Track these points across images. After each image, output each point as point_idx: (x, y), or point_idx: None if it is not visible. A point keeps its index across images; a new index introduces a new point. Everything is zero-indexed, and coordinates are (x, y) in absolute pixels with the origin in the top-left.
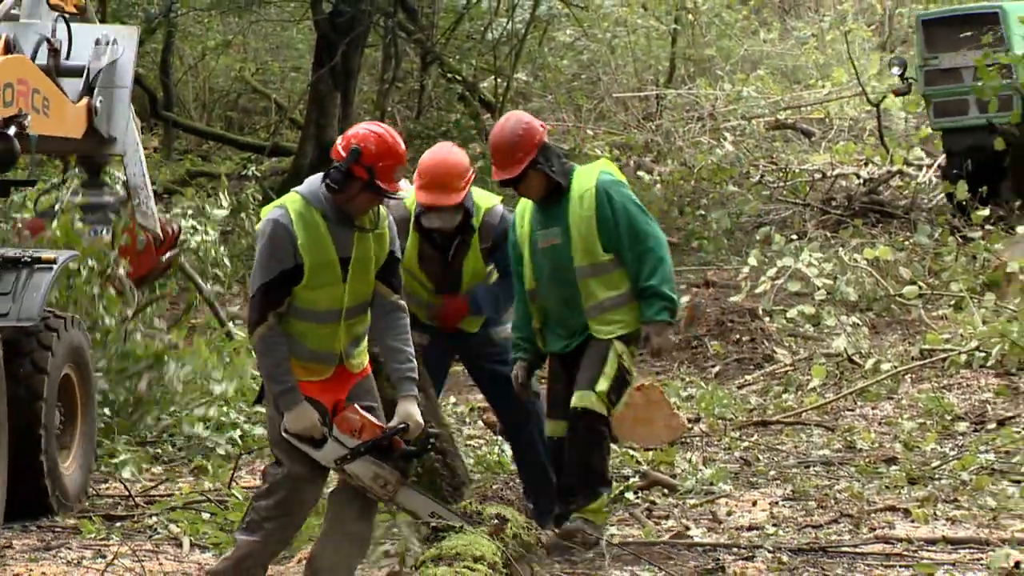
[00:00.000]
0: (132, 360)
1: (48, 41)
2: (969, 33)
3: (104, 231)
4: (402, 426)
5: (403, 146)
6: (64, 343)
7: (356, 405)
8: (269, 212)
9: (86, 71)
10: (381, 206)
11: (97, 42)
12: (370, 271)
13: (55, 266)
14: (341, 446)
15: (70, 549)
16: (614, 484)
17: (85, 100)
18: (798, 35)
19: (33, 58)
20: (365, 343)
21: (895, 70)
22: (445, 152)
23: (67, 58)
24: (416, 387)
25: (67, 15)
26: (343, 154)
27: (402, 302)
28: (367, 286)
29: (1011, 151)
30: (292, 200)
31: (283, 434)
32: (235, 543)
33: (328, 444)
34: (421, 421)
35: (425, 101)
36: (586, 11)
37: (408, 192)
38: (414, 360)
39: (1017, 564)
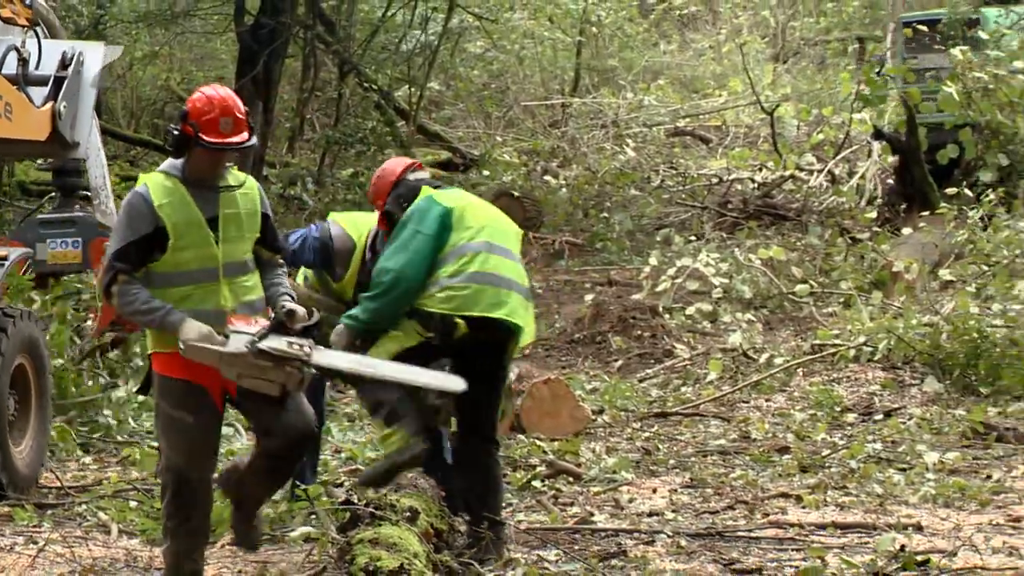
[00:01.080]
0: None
1: (17, 51)
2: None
3: (73, 244)
4: (286, 311)
5: (233, 100)
6: (18, 333)
7: None
8: None
9: (51, 79)
10: (241, 170)
11: (64, 54)
12: (243, 228)
13: (6, 262)
14: (244, 334)
15: (3, 535)
16: (522, 473)
17: (49, 105)
18: (696, 47)
19: (0, 66)
20: (262, 312)
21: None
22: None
23: (36, 68)
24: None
25: (35, 29)
26: None
27: (280, 260)
28: (243, 243)
29: (900, 156)
30: (152, 175)
31: (184, 348)
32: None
33: (232, 337)
34: (304, 311)
35: (343, 109)
36: (495, 24)
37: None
38: (288, 287)
39: (902, 548)
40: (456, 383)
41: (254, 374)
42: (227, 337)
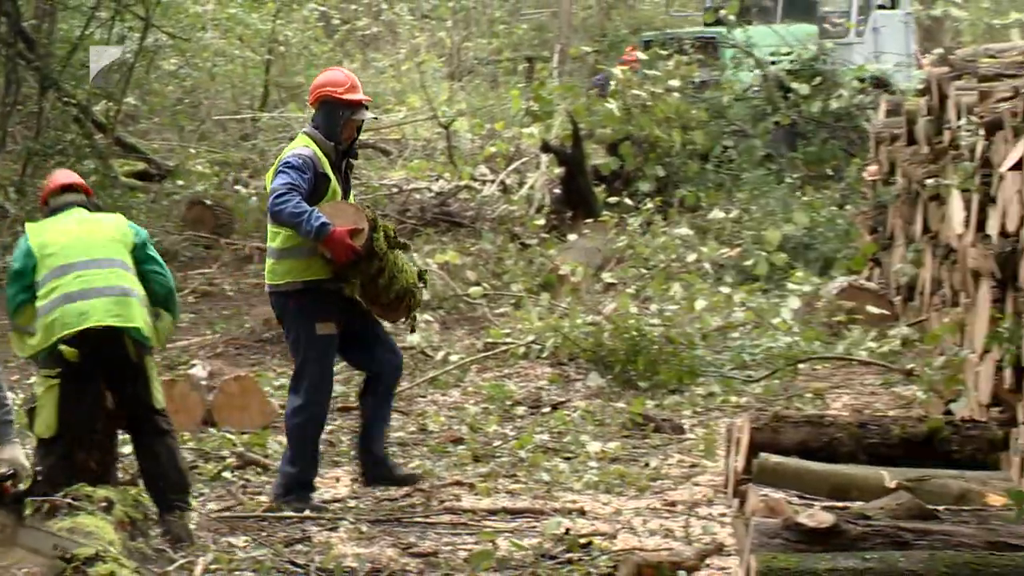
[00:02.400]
0: None
1: None
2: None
3: None
4: (10, 473)
5: None
6: None
7: None
8: None
9: None
10: None
11: None
12: None
13: None
14: None
15: None
16: (213, 465)
17: None
18: (377, 65)
19: None
20: None
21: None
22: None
23: None
24: (13, 430)
25: None
26: None
27: None
28: None
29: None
30: None
31: None
32: None
33: None
34: (27, 464)
35: (43, 122)
36: (188, 42)
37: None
38: (10, 404)
39: (567, 531)
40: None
41: None
42: None
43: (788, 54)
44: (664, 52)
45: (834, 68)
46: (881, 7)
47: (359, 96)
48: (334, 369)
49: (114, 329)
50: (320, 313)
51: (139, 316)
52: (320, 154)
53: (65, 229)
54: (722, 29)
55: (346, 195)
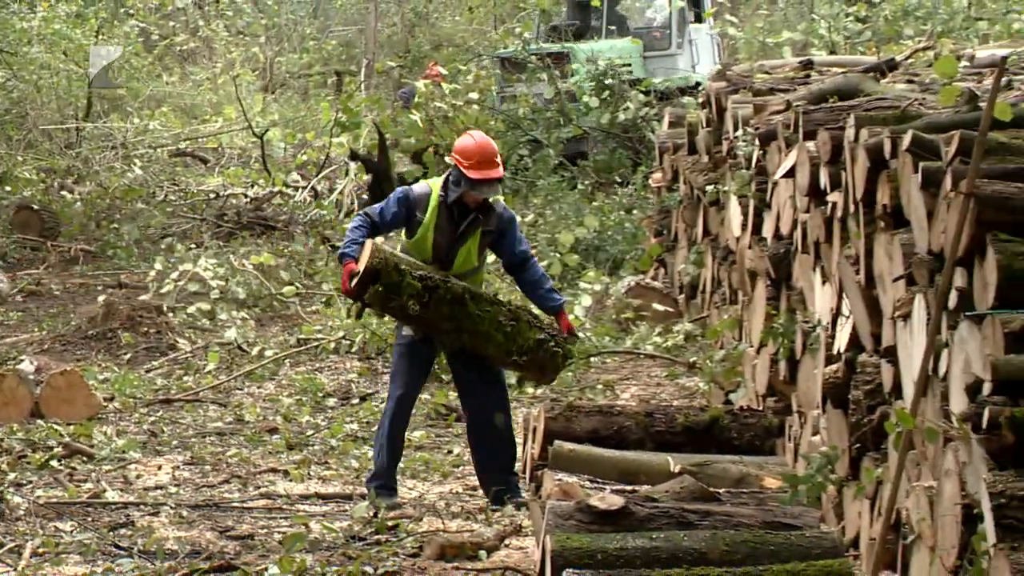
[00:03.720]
0: None
1: None
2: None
3: None
4: None
5: None
6: None
7: None
8: None
9: None
10: None
11: None
12: None
13: None
14: None
15: None
16: (40, 454)
17: None
18: (195, 78)
19: None
20: None
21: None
22: (481, 136)
23: None
24: None
25: None
26: None
27: None
28: None
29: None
30: None
31: None
32: None
33: None
34: None
35: None
36: (15, 56)
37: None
38: None
39: (375, 514)
40: None
41: None
42: None
43: (626, 66)
44: (520, 65)
45: (622, 83)
46: (693, 21)
47: (481, 175)
48: (415, 374)
49: None
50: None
51: None
52: (433, 199)
53: None
54: (573, 45)
55: (451, 249)
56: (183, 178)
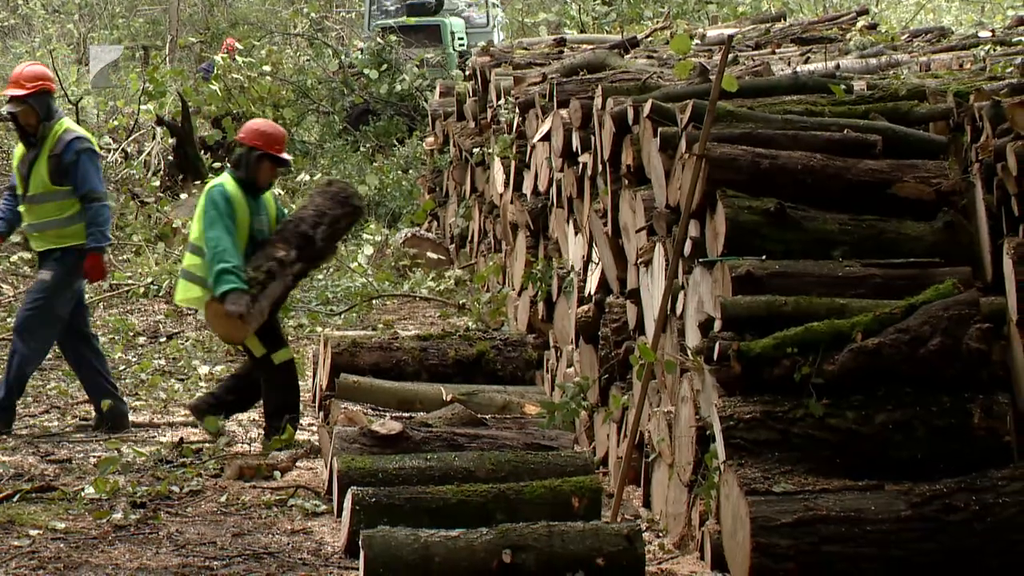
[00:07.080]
0: None
1: None
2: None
3: None
4: None
5: None
6: None
7: None
8: None
9: None
10: None
11: None
12: None
13: None
14: None
15: None
16: None
17: None
18: (16, 52)
19: None
20: None
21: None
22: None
23: None
24: None
25: None
26: None
27: None
28: None
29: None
30: None
31: None
32: None
33: None
34: None
35: None
36: None
37: None
38: None
39: (181, 440)
40: None
41: None
42: None
43: (461, 39)
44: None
45: (400, 57)
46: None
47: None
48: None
49: None
50: None
51: None
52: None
53: None
54: (442, 19)
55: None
56: (7, 141)
